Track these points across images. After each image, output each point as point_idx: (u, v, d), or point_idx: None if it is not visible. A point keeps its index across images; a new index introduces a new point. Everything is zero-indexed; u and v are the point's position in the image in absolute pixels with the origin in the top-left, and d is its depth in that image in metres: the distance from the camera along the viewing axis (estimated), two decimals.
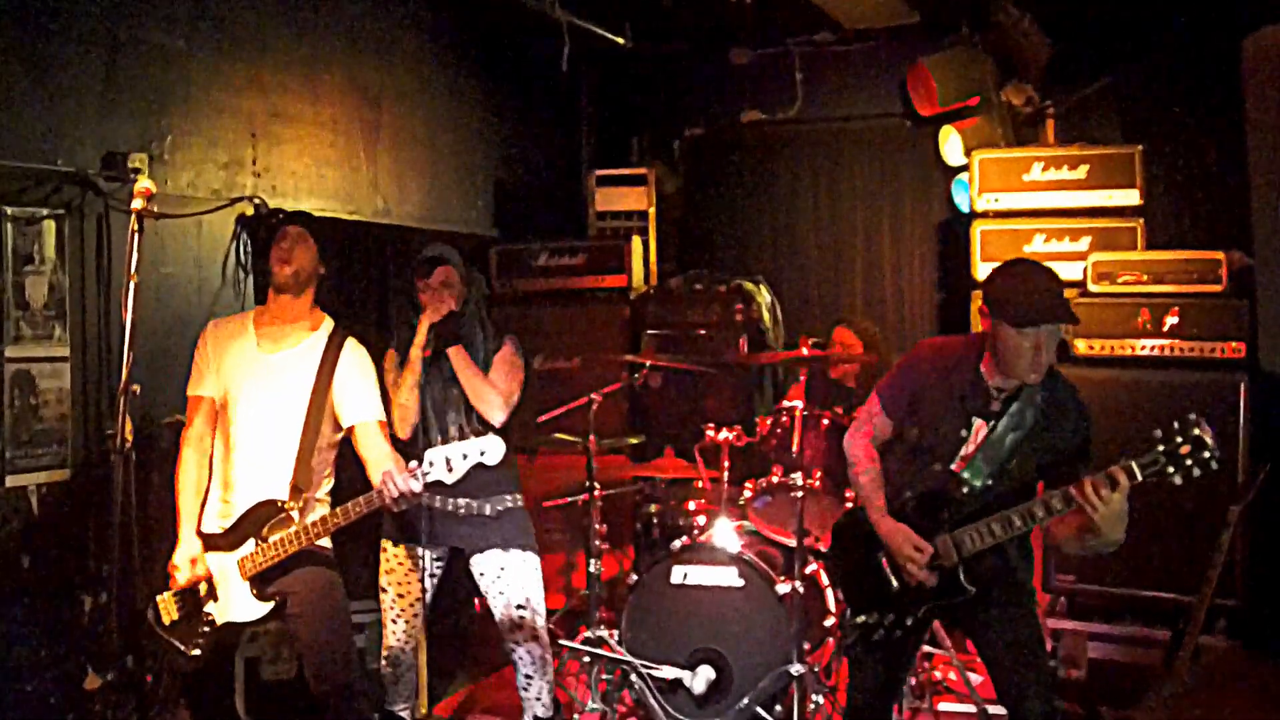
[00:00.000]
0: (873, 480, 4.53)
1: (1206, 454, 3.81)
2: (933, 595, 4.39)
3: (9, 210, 5.21)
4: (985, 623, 4.42)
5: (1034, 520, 4.10)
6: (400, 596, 5.47)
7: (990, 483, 4.27)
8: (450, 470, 4.46)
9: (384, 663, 5.53)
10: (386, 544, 5.50)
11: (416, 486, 4.49)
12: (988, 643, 4.44)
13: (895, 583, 4.47)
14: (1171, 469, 3.84)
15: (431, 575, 5.49)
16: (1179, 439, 3.83)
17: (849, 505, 6.00)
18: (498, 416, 5.28)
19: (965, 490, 4.29)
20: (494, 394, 5.28)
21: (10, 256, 5.21)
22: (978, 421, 4.31)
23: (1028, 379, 4.19)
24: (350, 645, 4.89)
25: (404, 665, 5.52)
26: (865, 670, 4.69)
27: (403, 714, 5.56)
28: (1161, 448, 3.85)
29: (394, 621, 5.49)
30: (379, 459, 4.78)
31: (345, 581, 4.91)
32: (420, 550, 5.40)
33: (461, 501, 5.31)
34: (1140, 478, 3.87)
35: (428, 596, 5.50)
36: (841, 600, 4.83)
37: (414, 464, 4.50)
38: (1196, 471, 3.83)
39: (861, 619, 4.56)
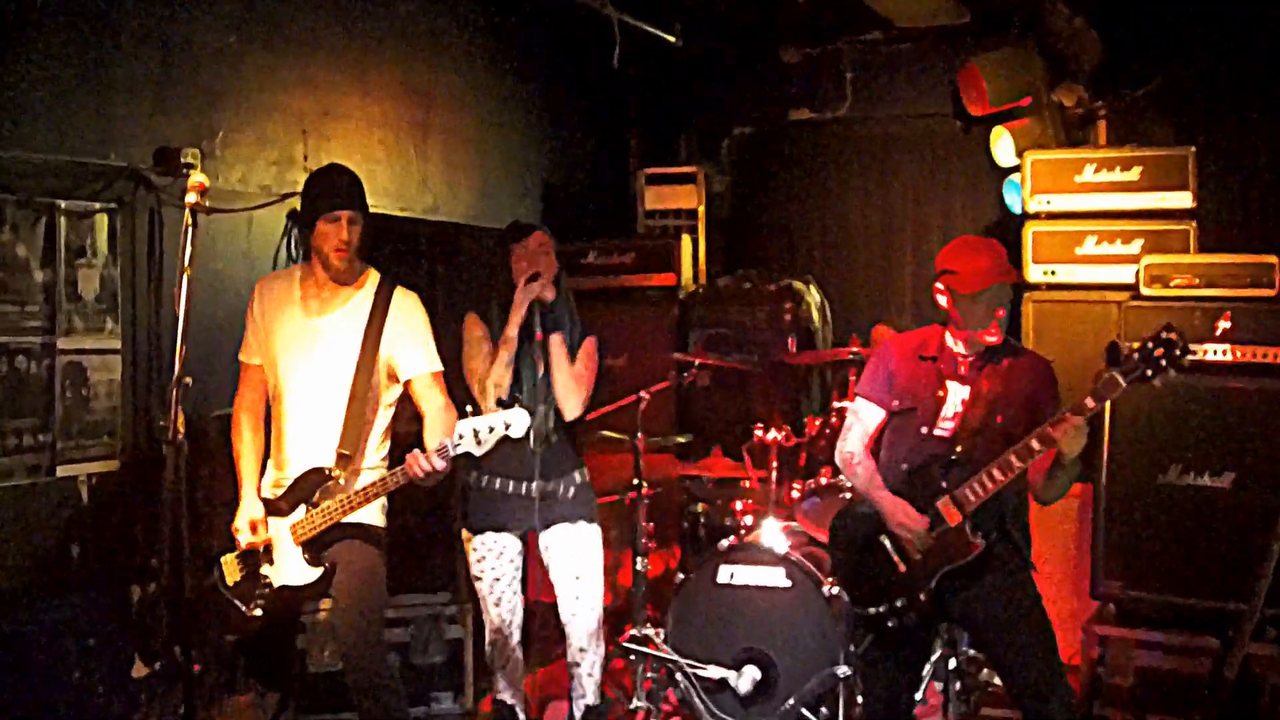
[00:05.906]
0: (868, 470, 4.67)
1: (1179, 351, 4.05)
2: (940, 562, 4.42)
3: (62, 204, 5.27)
4: (992, 616, 4.46)
5: (1031, 455, 4.25)
6: (495, 581, 5.41)
7: (979, 441, 4.44)
8: (479, 444, 4.47)
9: (487, 648, 5.52)
10: (466, 534, 5.48)
11: (441, 464, 4.52)
12: (995, 635, 4.48)
13: (901, 564, 4.49)
14: (1150, 372, 4.10)
15: (511, 560, 5.46)
16: (1151, 344, 4.08)
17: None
18: (574, 411, 5.32)
19: (958, 450, 4.46)
20: (581, 388, 5.32)
21: (63, 249, 5.27)
22: (951, 383, 4.57)
23: (987, 339, 4.51)
24: (380, 630, 4.87)
25: (499, 648, 5.45)
26: (880, 674, 4.69)
27: (511, 702, 5.50)
28: (1138, 356, 4.12)
29: (491, 608, 5.44)
30: (436, 412, 4.78)
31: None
32: (500, 535, 5.41)
33: (535, 485, 5.27)
34: (1124, 384, 4.13)
35: (515, 581, 5.48)
36: (848, 601, 4.82)
37: (444, 440, 4.51)
38: (1172, 372, 4.08)
39: (872, 610, 4.56)
